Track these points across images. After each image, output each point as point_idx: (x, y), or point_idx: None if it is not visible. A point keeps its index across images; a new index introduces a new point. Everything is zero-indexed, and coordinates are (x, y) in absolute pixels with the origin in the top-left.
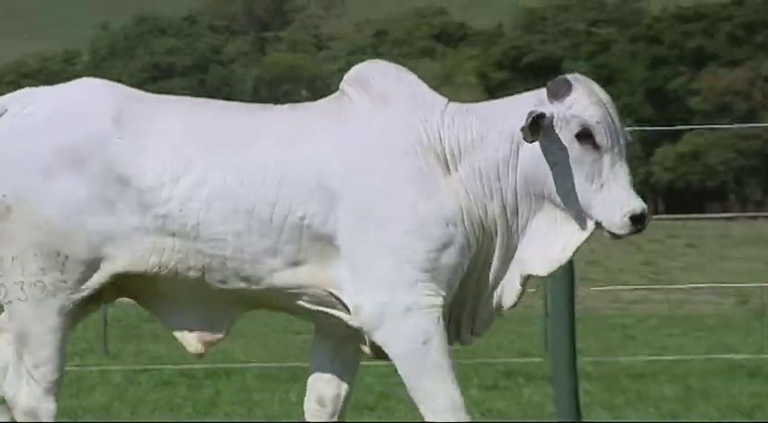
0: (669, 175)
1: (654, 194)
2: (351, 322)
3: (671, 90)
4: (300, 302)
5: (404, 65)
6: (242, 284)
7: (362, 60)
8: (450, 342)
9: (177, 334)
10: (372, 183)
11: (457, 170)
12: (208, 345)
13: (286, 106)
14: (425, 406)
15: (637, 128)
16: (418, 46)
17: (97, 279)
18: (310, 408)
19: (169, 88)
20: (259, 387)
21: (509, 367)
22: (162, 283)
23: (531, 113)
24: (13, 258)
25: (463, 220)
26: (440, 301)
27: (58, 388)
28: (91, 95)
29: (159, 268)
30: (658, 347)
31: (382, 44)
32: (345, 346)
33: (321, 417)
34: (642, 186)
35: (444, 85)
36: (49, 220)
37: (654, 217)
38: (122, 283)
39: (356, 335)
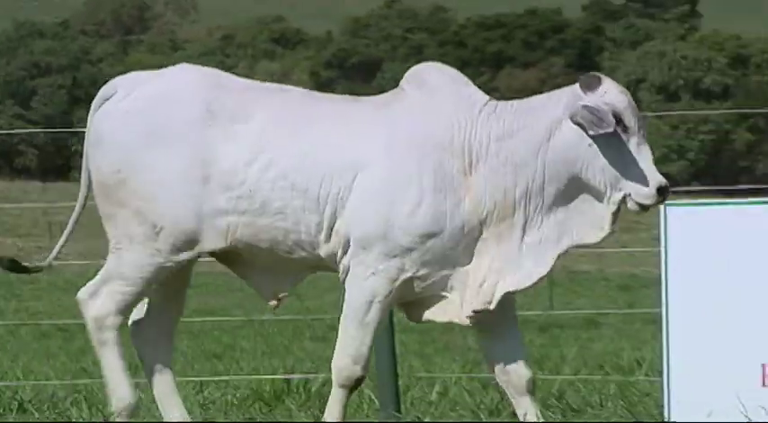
0: None
1: None
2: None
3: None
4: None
5: (247, 64)
6: (303, 253)
7: (213, 60)
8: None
9: (256, 291)
10: (393, 168)
11: (480, 165)
12: (281, 299)
13: (352, 98)
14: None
15: None
16: (260, 48)
17: (185, 256)
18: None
19: (46, 84)
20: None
21: (336, 322)
22: (242, 252)
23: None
24: (124, 217)
25: (466, 214)
26: (404, 275)
27: (128, 313)
28: (187, 83)
29: (236, 243)
30: None
31: (229, 46)
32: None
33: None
34: None
35: (282, 81)
36: (150, 195)
37: None
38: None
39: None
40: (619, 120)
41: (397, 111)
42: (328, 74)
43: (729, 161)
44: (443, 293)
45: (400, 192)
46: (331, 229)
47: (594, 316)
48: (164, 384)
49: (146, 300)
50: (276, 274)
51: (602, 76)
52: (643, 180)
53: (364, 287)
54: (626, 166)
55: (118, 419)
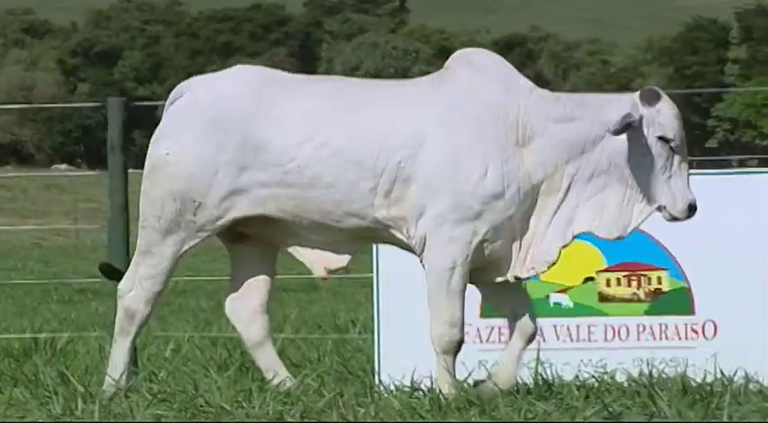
0: None
1: None
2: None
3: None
4: (392, 231)
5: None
6: (353, 220)
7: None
8: (502, 275)
9: (307, 263)
10: (456, 138)
11: (534, 139)
12: (331, 271)
13: (397, 81)
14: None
15: None
16: (11, 37)
17: (220, 223)
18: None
19: None
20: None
21: (82, 286)
22: (289, 225)
23: (627, 117)
24: (158, 197)
25: (523, 180)
26: (477, 238)
27: (158, 299)
28: (242, 80)
29: (277, 212)
30: (196, 270)
31: None
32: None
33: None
34: None
35: (30, 69)
36: (192, 176)
37: None
38: (255, 229)
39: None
40: (668, 138)
41: (449, 87)
42: (74, 61)
43: None
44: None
45: (466, 160)
46: (389, 197)
47: (314, 280)
48: (265, 358)
49: (239, 279)
50: (325, 245)
51: (662, 94)
52: (679, 195)
53: (444, 255)
54: (667, 181)
55: (104, 397)
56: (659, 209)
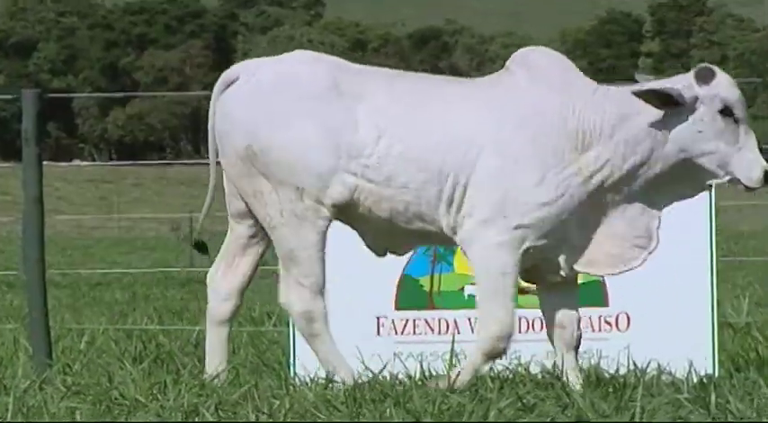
0: (120, 131)
1: (108, 146)
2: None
3: (121, 66)
4: (452, 236)
5: None
6: (420, 224)
7: None
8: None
9: (369, 248)
10: (511, 146)
11: (593, 145)
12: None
13: (461, 79)
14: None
15: (94, 95)
16: None
17: (324, 211)
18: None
19: None
20: None
21: None
22: (362, 213)
23: (667, 89)
24: (269, 191)
25: (578, 187)
26: (526, 245)
27: (324, 291)
28: (309, 64)
29: (358, 203)
30: (111, 263)
31: None
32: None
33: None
34: (99, 140)
35: None
36: (288, 163)
37: (108, 163)
38: (339, 212)
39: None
40: (730, 110)
41: (510, 91)
42: None
43: None
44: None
45: (521, 167)
46: (451, 202)
47: None
48: (218, 340)
49: (231, 254)
50: (389, 240)
51: (716, 69)
52: (751, 164)
53: (494, 261)
54: (734, 153)
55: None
56: (735, 181)
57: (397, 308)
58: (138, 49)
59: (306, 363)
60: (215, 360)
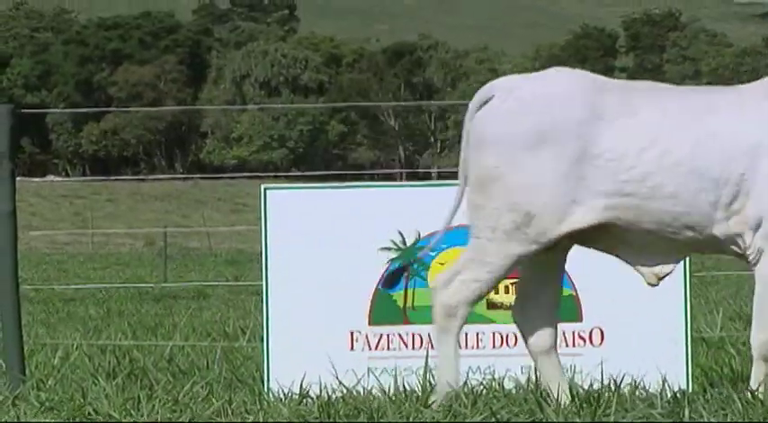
0: (94, 146)
1: (83, 161)
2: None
3: (95, 82)
4: (725, 245)
5: None
6: (690, 234)
7: None
8: None
9: (637, 269)
10: None
11: None
12: (660, 277)
13: (722, 88)
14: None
15: (68, 110)
16: None
17: (555, 235)
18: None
19: None
20: None
21: None
22: (619, 233)
23: None
24: (493, 208)
25: None
26: None
27: (475, 304)
28: (569, 84)
29: (612, 222)
30: (85, 278)
31: None
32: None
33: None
34: (73, 155)
35: None
36: (529, 187)
37: (82, 179)
38: (577, 235)
39: None
40: None
41: None
42: None
43: (324, 150)
44: None
45: None
46: (729, 209)
47: (204, 288)
48: (549, 367)
49: (528, 284)
50: (656, 254)
51: None
52: None
53: None
54: None
55: (438, 401)
56: None
57: (371, 323)
58: (112, 64)
59: (280, 378)
60: (554, 386)
